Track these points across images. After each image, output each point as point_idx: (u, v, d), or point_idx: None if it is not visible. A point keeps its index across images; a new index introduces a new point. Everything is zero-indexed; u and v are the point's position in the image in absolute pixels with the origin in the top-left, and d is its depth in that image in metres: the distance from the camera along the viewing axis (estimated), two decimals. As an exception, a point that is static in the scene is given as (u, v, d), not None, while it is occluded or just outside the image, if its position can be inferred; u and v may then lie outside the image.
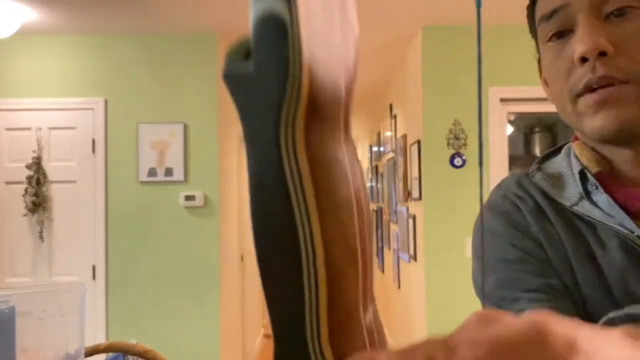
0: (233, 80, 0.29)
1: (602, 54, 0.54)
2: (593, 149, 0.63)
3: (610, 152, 0.62)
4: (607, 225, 0.59)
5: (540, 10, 0.61)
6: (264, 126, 0.28)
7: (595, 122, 0.57)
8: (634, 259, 0.59)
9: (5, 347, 1.06)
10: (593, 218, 0.61)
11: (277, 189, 0.28)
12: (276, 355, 0.30)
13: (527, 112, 3.36)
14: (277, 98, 0.28)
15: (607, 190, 0.60)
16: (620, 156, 0.61)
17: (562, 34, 0.59)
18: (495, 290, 0.62)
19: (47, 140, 3.40)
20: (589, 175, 0.62)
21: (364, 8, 3.03)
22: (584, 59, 0.55)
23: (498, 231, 0.65)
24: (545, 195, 0.64)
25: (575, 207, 0.62)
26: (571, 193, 0.63)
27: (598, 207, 0.61)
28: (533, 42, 0.68)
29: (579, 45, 0.55)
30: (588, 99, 0.56)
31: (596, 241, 0.61)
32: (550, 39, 0.61)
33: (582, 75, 0.56)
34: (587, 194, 0.62)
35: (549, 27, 0.60)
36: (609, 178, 0.61)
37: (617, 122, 0.55)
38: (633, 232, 0.58)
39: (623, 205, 0.59)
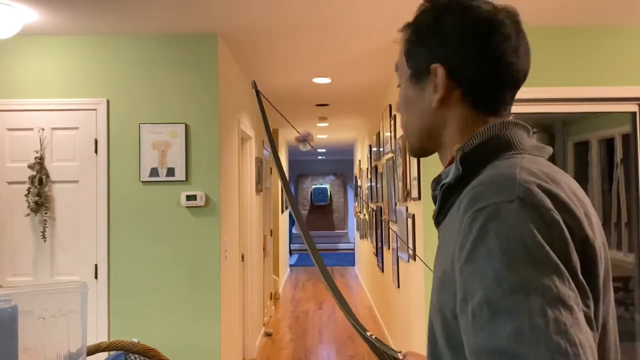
0: None
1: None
2: None
3: None
4: None
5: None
6: None
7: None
8: None
9: (7, 346, 1.08)
10: None
11: None
12: None
13: (525, 113, 3.36)
14: None
15: None
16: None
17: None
18: None
19: (49, 140, 3.42)
20: None
21: (364, 8, 3.05)
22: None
23: None
24: None
25: None
26: None
27: None
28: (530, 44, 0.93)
29: None
30: None
31: None
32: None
33: None
34: None
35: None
36: None
37: (409, 149, 1.03)
38: None
39: None
